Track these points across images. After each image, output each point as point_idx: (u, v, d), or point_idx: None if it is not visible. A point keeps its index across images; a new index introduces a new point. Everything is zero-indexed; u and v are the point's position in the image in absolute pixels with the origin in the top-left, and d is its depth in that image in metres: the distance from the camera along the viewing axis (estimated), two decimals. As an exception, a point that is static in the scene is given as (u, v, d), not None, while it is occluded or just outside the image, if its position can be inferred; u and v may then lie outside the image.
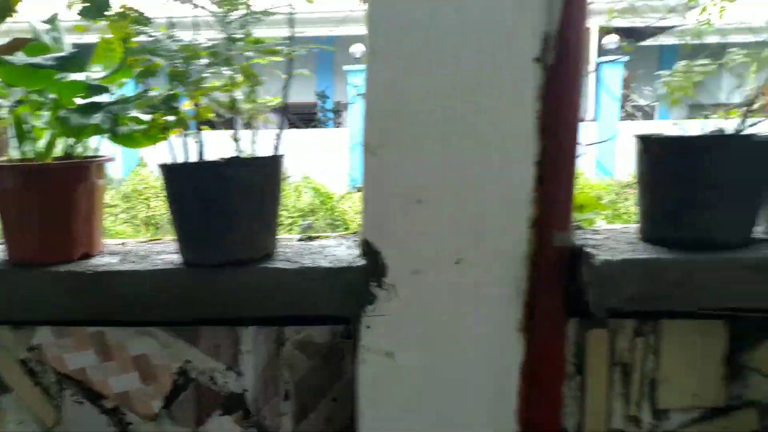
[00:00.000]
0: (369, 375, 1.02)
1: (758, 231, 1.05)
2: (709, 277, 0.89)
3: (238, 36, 0.95)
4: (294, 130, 9.65)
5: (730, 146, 0.87)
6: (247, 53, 0.95)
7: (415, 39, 0.96)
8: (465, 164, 0.98)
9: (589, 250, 0.94)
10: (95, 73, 1.06)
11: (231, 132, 1.01)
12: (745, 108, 0.95)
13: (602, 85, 8.98)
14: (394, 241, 1.00)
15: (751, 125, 0.96)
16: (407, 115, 0.97)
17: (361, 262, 1.00)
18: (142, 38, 0.91)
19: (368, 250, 1.00)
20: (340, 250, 1.08)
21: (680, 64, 0.93)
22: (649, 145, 0.92)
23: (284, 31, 1.02)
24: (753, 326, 1.05)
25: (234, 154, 1.01)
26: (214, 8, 0.95)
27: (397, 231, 0.99)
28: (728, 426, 1.11)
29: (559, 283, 0.99)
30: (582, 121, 0.98)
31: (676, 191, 0.91)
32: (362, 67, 1.03)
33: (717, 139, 0.88)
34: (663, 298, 0.90)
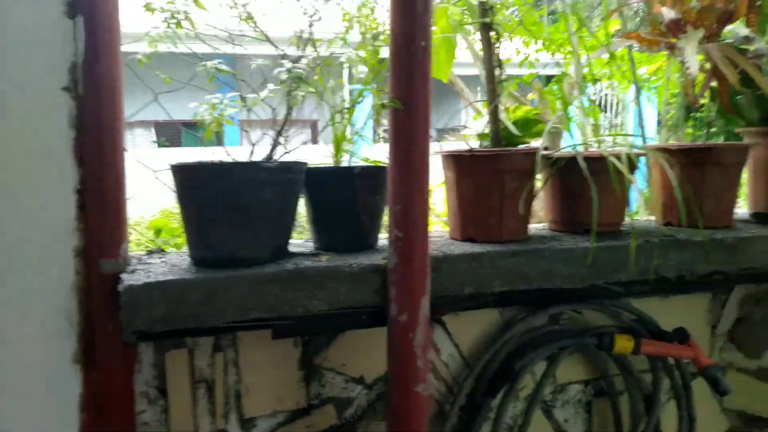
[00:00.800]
0: None
1: (306, 245, 1.18)
2: (230, 293, 0.96)
3: None
4: None
5: (238, 172, 0.95)
6: None
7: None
8: (-7, 194, 0.93)
9: (123, 275, 0.96)
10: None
11: None
12: (278, 133, 1.05)
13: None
14: None
15: (285, 153, 1.07)
16: None
17: None
18: None
19: None
20: None
21: (211, 96, 1.00)
22: (176, 173, 0.97)
23: None
24: (324, 328, 1.16)
25: None
26: None
27: None
28: (311, 424, 1.22)
29: (114, 310, 0.99)
30: (125, 149, 1.00)
31: (201, 214, 0.97)
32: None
33: (220, 166, 0.96)
34: (192, 316, 0.95)
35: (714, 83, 1.24)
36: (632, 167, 1.12)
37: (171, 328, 0.95)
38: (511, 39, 2.79)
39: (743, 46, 1.24)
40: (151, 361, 1.10)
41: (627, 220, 1.47)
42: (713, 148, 1.24)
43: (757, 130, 1.36)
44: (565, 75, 1.48)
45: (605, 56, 1.65)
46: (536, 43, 2.43)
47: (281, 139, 1.06)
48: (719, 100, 1.23)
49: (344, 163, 1.15)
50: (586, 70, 2.18)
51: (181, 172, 0.97)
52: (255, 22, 1.01)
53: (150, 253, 1.14)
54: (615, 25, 2.99)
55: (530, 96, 1.72)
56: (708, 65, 1.25)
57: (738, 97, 1.31)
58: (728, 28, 1.28)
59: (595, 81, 2.00)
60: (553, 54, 2.79)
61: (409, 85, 0.95)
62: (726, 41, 1.27)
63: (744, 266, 1.23)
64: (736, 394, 1.52)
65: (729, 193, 1.28)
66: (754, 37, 1.22)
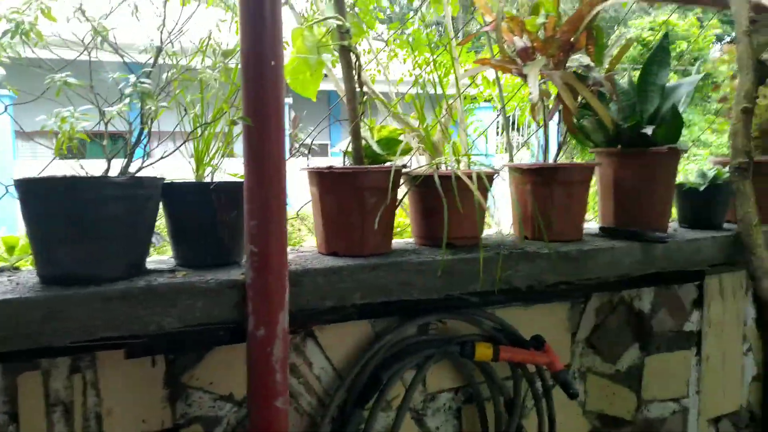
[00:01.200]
0: None
1: (168, 262, 1.18)
2: (76, 311, 0.94)
3: None
4: None
5: (84, 187, 0.94)
6: None
7: None
8: None
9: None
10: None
11: None
12: (133, 146, 1.05)
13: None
14: None
15: (141, 168, 1.06)
16: None
17: None
18: None
19: None
20: None
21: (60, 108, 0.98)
22: (19, 187, 0.95)
23: None
24: (178, 346, 1.15)
25: None
26: None
27: None
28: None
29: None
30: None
31: (46, 230, 0.95)
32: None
33: (65, 180, 0.95)
34: (35, 335, 0.92)
35: (561, 107, 1.36)
36: (482, 186, 1.20)
37: (12, 349, 0.91)
38: (404, 61, 2.94)
39: (585, 74, 1.37)
40: (2, 384, 1.05)
41: (495, 235, 1.56)
42: (559, 168, 1.35)
43: (602, 151, 1.49)
44: (448, 96, 1.57)
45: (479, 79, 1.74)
46: (427, 65, 2.56)
47: (132, 152, 1.06)
48: (565, 123, 1.34)
49: (207, 179, 1.16)
50: (475, 91, 2.28)
51: (25, 186, 0.95)
52: (105, 35, 1.01)
53: (0, 271, 1.10)
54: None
55: (412, 116, 1.80)
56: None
57: (581, 121, 1.44)
58: (575, 57, 1.41)
59: (486, 101, 2.11)
60: (444, 75, 2.93)
61: (259, 102, 0.99)
62: (571, 69, 1.40)
63: (588, 276, 1.34)
64: (595, 397, 1.64)
65: (577, 209, 1.39)
66: (594, 66, 1.35)
